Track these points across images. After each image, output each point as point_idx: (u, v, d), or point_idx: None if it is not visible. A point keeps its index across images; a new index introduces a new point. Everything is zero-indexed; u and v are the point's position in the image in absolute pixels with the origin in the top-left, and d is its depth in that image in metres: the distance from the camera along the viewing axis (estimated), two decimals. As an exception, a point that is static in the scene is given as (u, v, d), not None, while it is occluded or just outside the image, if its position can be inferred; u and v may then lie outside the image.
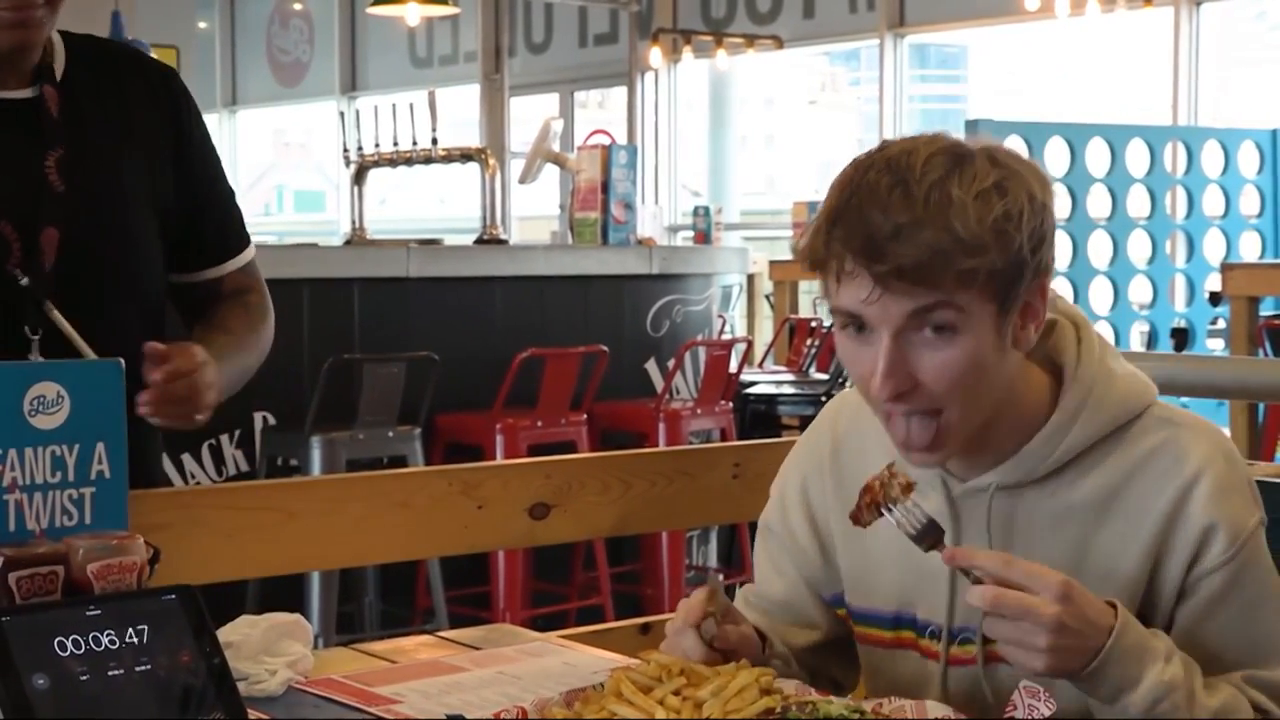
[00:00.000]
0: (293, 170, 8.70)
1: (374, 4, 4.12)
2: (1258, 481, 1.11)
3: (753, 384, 3.46)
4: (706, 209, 4.67)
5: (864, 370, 0.79)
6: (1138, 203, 3.57)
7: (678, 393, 3.09)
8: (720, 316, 3.36)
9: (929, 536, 0.78)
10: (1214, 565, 0.81)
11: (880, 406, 0.81)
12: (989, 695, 0.85)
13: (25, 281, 1.04)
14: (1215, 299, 3.52)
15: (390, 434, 2.55)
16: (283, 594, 2.29)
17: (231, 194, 1.24)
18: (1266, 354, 2.96)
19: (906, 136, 0.81)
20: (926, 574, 0.86)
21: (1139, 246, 3.57)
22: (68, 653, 0.71)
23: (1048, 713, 0.73)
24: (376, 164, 3.37)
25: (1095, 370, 0.83)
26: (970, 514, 0.85)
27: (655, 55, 5.56)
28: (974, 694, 0.85)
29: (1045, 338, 0.84)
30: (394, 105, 3.32)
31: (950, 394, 0.78)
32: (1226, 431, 2.87)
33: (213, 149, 1.22)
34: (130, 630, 0.73)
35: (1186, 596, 0.82)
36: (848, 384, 0.97)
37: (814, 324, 3.86)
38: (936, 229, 0.75)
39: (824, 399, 3.20)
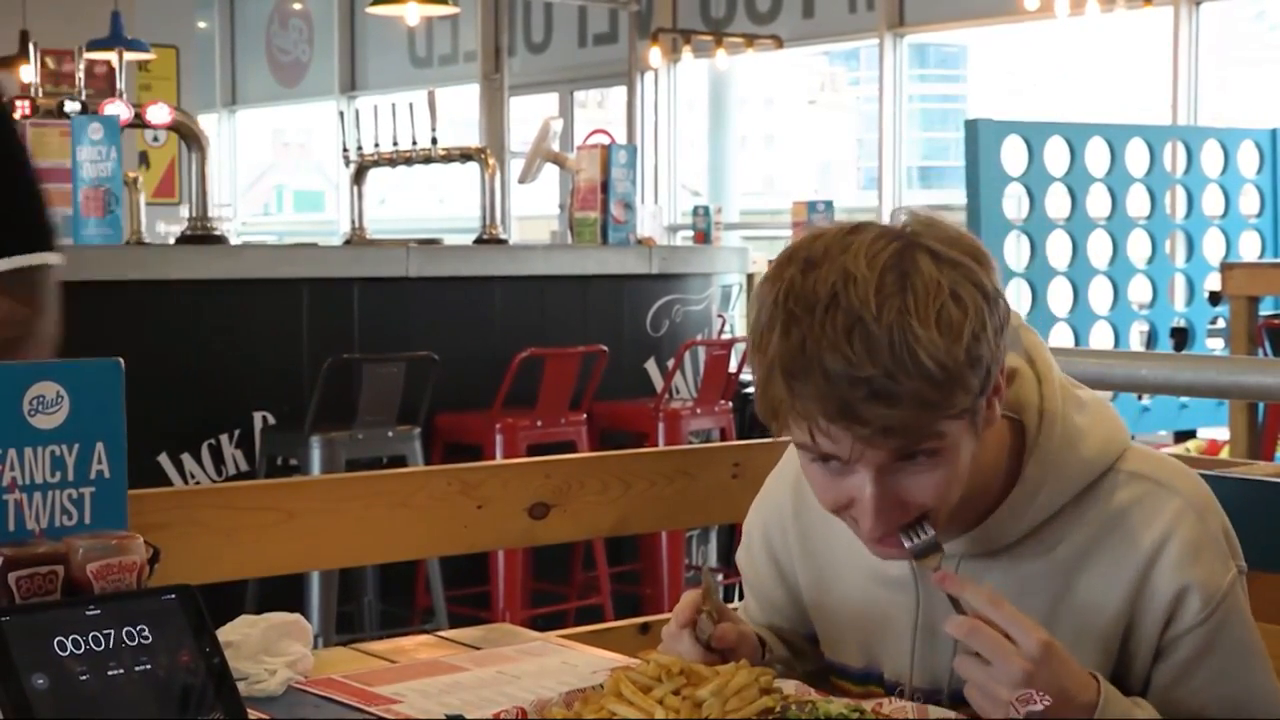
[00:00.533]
0: (292, 170, 8.70)
1: (373, 4, 4.12)
2: (1256, 481, 1.12)
3: (752, 384, 3.45)
4: (706, 209, 4.67)
5: (838, 499, 0.77)
6: (1137, 202, 3.57)
7: (677, 392, 3.09)
8: (720, 316, 3.36)
9: (929, 552, 0.77)
10: (1190, 625, 0.80)
11: (852, 521, 0.78)
12: None
13: None
14: (1215, 298, 3.52)
15: (390, 434, 2.56)
16: (282, 594, 2.30)
17: (23, 189, 1.10)
18: (1266, 354, 2.96)
19: (837, 229, 0.75)
20: (890, 632, 0.85)
21: (1139, 246, 3.56)
22: (67, 652, 0.71)
23: (1039, 708, 0.72)
24: (376, 164, 3.38)
25: (1060, 432, 0.80)
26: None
27: (655, 55, 5.56)
28: None
29: (1010, 381, 0.81)
30: (393, 105, 3.33)
31: (936, 505, 0.77)
32: (1225, 433, 2.87)
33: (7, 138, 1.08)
34: (130, 630, 0.73)
35: (1163, 657, 0.81)
36: None
37: (814, 324, 3.84)
38: (913, 378, 0.71)
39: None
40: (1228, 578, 0.81)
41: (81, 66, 3.13)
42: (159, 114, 3.00)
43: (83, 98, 3.02)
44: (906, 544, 0.76)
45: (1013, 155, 3.27)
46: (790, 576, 0.91)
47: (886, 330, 0.71)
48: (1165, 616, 0.80)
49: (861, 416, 0.71)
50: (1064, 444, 0.81)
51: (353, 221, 3.42)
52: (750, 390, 3.44)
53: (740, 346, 3.18)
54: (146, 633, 0.73)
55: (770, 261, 0.79)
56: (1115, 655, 0.81)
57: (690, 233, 4.79)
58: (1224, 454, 2.89)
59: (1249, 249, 3.73)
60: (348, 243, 3.39)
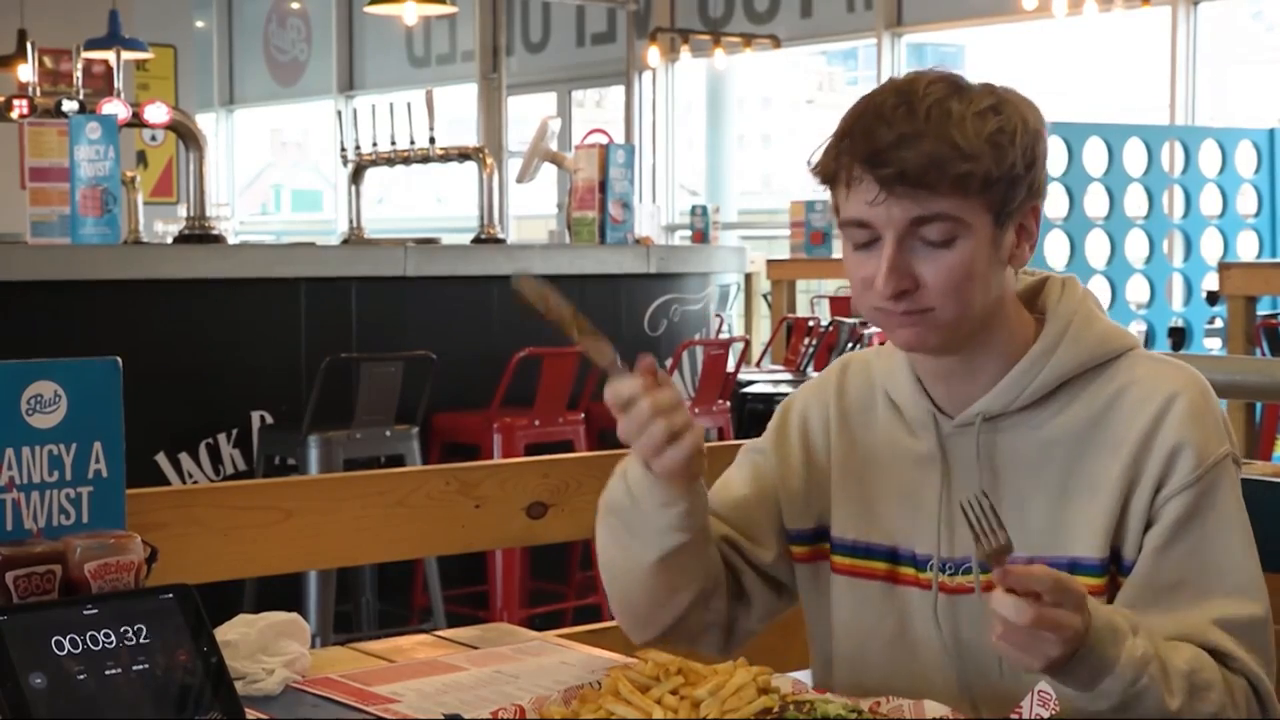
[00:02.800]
0: (290, 169, 8.69)
1: (371, 3, 4.11)
2: (1255, 481, 1.12)
3: (750, 383, 3.46)
4: (704, 208, 4.66)
5: (867, 275, 0.84)
6: (1135, 202, 3.57)
7: (676, 392, 3.08)
8: (718, 316, 3.35)
9: (999, 554, 0.75)
10: (1180, 486, 0.83)
11: (879, 308, 0.85)
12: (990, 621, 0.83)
13: None
14: (1212, 298, 3.52)
15: (387, 433, 2.55)
16: (280, 593, 2.29)
17: None
18: (1264, 353, 2.96)
19: (912, 70, 0.88)
20: (921, 509, 0.88)
21: (1136, 246, 3.56)
22: (65, 652, 0.71)
23: (1046, 715, 0.73)
24: (374, 163, 3.36)
25: (1075, 308, 0.88)
26: (959, 450, 0.88)
27: (653, 54, 5.55)
28: (977, 624, 0.85)
29: (1036, 291, 0.89)
30: (391, 104, 3.31)
31: (945, 296, 0.83)
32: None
33: None
34: (128, 629, 0.73)
35: (1154, 521, 0.84)
36: None
37: (811, 323, 3.86)
38: (935, 138, 0.81)
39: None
40: (1221, 449, 0.84)
41: (79, 66, 3.11)
42: (157, 113, 2.98)
43: (80, 97, 3.00)
44: (985, 547, 0.75)
45: (1010, 155, 3.26)
46: (819, 457, 0.94)
47: (925, 105, 0.82)
48: (1160, 474, 0.84)
49: (887, 158, 0.81)
50: (1080, 315, 0.87)
51: (350, 221, 3.40)
52: (748, 390, 3.46)
53: (738, 346, 3.17)
54: (144, 632, 0.73)
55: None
56: (1115, 525, 0.84)
57: (688, 232, 4.79)
58: (1221, 453, 2.88)
59: (1247, 249, 3.73)
60: (345, 242, 3.37)
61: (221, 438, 2.61)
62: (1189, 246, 3.68)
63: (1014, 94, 0.86)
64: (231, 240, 3.69)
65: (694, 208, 4.73)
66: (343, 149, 3.47)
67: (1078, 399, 0.86)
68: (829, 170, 0.84)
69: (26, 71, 3.25)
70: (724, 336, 3.29)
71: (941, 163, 0.81)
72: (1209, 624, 0.82)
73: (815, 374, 1.01)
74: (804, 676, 0.89)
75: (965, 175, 0.81)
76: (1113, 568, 0.85)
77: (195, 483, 2.51)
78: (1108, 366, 0.86)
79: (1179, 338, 3.55)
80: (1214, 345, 3.58)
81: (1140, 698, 0.77)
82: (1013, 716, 0.73)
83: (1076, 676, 0.76)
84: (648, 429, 0.82)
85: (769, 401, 3.37)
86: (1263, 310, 3.09)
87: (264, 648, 0.88)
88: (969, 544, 0.85)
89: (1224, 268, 2.96)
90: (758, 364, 3.95)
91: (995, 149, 0.82)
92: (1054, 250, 3.36)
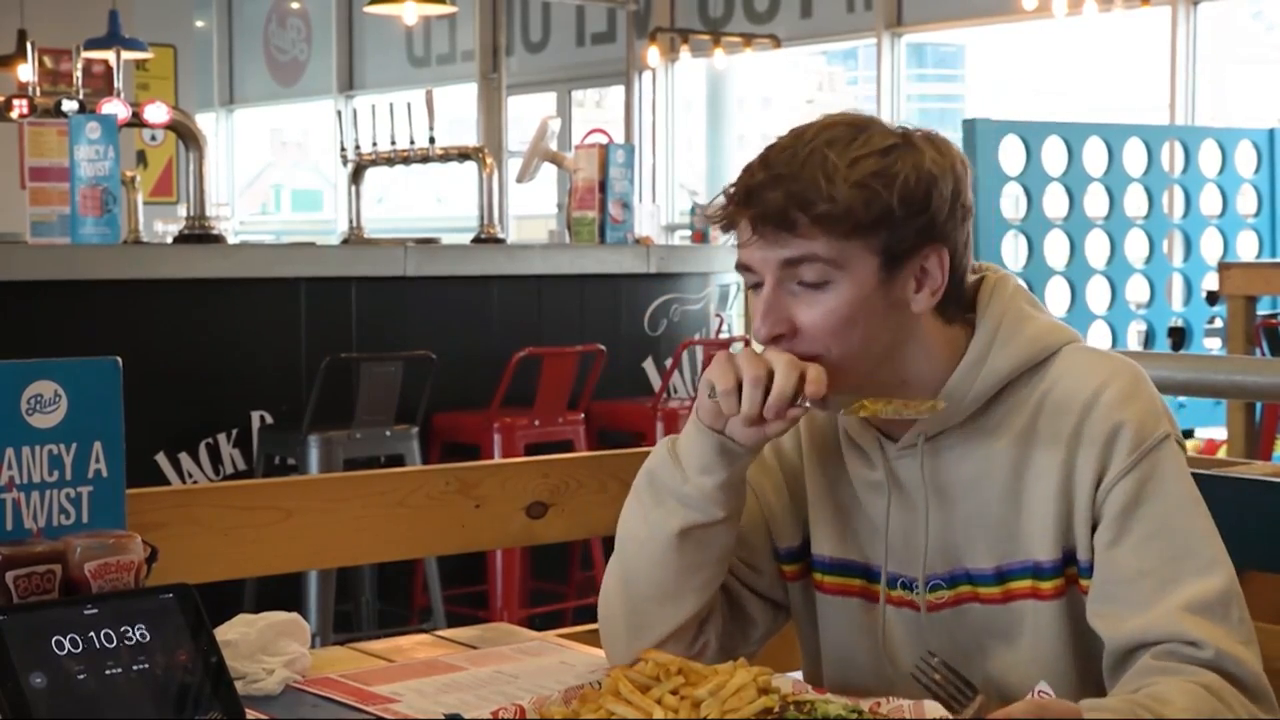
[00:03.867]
0: (290, 169, 8.68)
1: (371, 3, 4.11)
2: (1255, 481, 1.11)
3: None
4: (704, 208, 4.63)
5: (758, 322, 0.84)
6: (1135, 202, 3.56)
7: (675, 392, 3.08)
8: (718, 315, 3.35)
9: (981, 710, 0.74)
10: (1120, 471, 0.81)
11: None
12: (965, 636, 0.85)
13: None
14: (1212, 298, 3.52)
15: (387, 433, 2.55)
16: (280, 593, 2.29)
17: None
18: (1263, 353, 2.96)
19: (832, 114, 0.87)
20: (877, 530, 0.88)
21: (1136, 246, 3.56)
22: (65, 652, 0.71)
23: None
24: (374, 163, 3.37)
25: (1004, 309, 0.86)
26: (907, 474, 0.87)
27: (653, 54, 5.55)
28: (937, 640, 0.85)
29: (973, 291, 0.88)
30: (391, 104, 3.32)
31: (827, 341, 0.83)
32: (1223, 432, 2.86)
33: None
34: (128, 629, 0.72)
35: (1101, 516, 0.82)
36: None
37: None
38: (800, 180, 0.81)
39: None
40: (1160, 429, 0.82)
41: (79, 65, 3.11)
42: (157, 113, 2.99)
43: (80, 97, 3.00)
44: (962, 711, 0.74)
45: (1010, 155, 3.26)
46: (795, 471, 0.93)
47: (809, 150, 0.82)
48: (1099, 461, 0.82)
49: (751, 199, 0.82)
50: (1010, 318, 0.86)
51: (350, 221, 3.40)
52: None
53: (738, 346, 3.17)
54: (144, 632, 0.73)
55: None
56: (1064, 523, 0.83)
57: (688, 232, 4.79)
58: (1221, 454, 2.90)
59: (1247, 249, 3.73)
60: (345, 242, 3.37)
61: (221, 438, 2.62)
62: (1189, 246, 3.67)
63: (924, 138, 0.84)
64: (231, 240, 3.70)
65: (694, 207, 4.73)
66: (343, 149, 3.48)
67: (1014, 407, 0.85)
68: (720, 215, 0.85)
69: (26, 71, 3.25)
70: (724, 336, 3.28)
71: (802, 203, 0.81)
72: (1179, 613, 0.79)
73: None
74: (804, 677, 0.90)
75: (826, 215, 0.80)
76: (1070, 569, 0.83)
77: (195, 483, 2.51)
78: (1044, 366, 0.85)
79: (1179, 338, 3.54)
80: (1214, 345, 3.58)
81: None
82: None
83: None
84: (782, 387, 0.80)
85: (769, 401, 3.36)
86: (1263, 310, 3.08)
87: (264, 647, 0.88)
88: (915, 563, 0.86)
89: (1224, 268, 2.95)
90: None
91: (864, 191, 0.81)
92: (1054, 250, 3.36)
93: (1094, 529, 0.82)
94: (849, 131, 0.83)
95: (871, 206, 0.81)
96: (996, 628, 0.85)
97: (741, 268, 0.85)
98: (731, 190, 0.84)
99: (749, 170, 0.84)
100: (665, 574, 0.87)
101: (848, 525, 0.90)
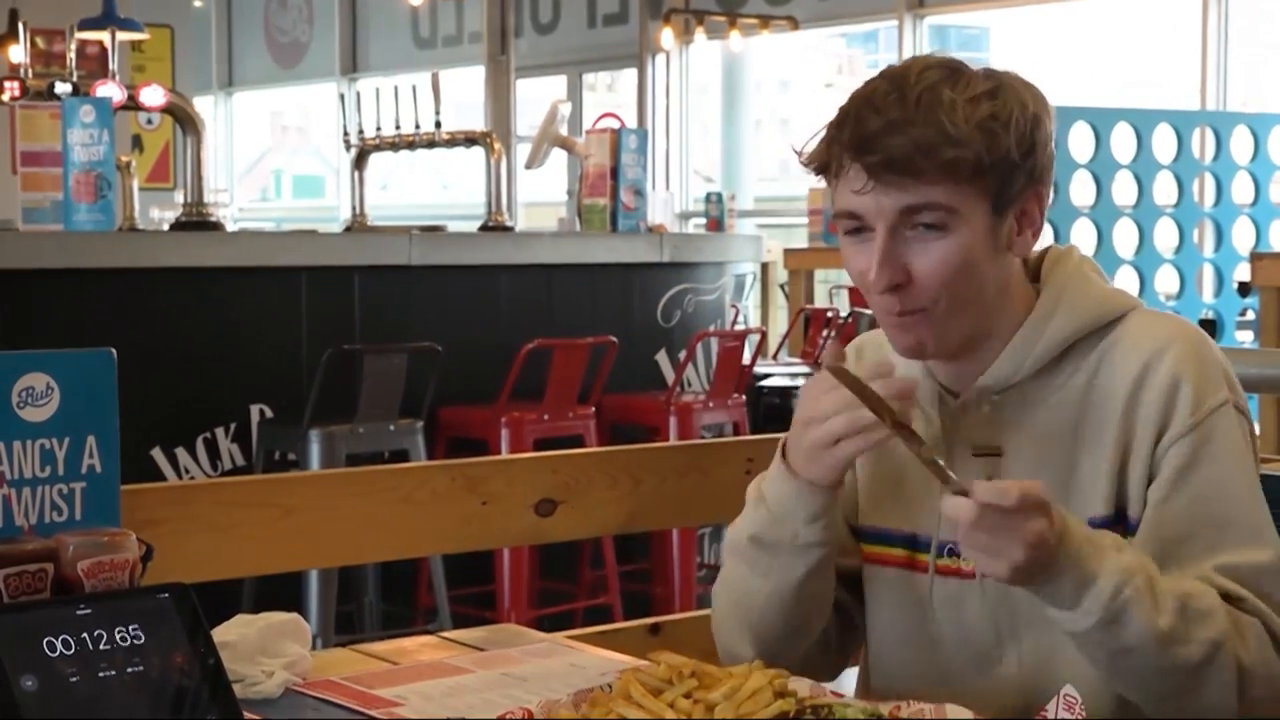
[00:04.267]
0: (291, 154, 8.64)
1: (376, -18, 4.01)
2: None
3: (767, 376, 3.40)
4: (719, 195, 4.59)
5: (863, 268, 0.84)
6: (1165, 190, 3.48)
7: (689, 385, 3.03)
8: (733, 306, 3.29)
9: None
10: (1181, 431, 0.83)
11: (877, 306, 0.85)
12: (1019, 608, 0.85)
13: None
14: (1244, 289, 3.45)
15: (391, 427, 2.50)
16: (280, 593, 2.23)
17: None
18: (1300, 347, 2.86)
19: (911, 57, 0.88)
20: (925, 491, 0.87)
21: (1166, 235, 3.48)
22: (57, 653, 0.69)
23: (1071, 718, 0.71)
24: (378, 148, 3.32)
25: (1070, 274, 0.88)
26: (967, 428, 0.87)
27: (667, 36, 5.47)
28: (975, 609, 0.86)
29: (1038, 264, 0.89)
30: (396, 87, 3.28)
31: (939, 290, 0.83)
32: (1256, 426, 2.79)
33: None
34: (122, 630, 0.71)
35: (1156, 473, 0.83)
36: None
37: (830, 314, 3.79)
38: (923, 125, 0.81)
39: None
40: (1220, 394, 0.84)
41: (73, 47, 3.04)
42: (153, 96, 2.93)
43: (74, 79, 2.95)
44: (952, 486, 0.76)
45: (1036, 141, 3.17)
46: None
47: (916, 91, 0.82)
48: (1160, 417, 0.83)
49: (874, 146, 0.81)
50: (1076, 279, 0.87)
51: (353, 208, 3.36)
52: (764, 383, 3.38)
53: (754, 338, 3.10)
54: (139, 633, 0.71)
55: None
56: (1117, 479, 0.84)
57: (703, 220, 4.72)
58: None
59: (1280, 239, 3.63)
60: (348, 230, 3.34)
61: (219, 432, 2.57)
62: (1220, 236, 3.59)
63: (1014, 78, 0.85)
64: (230, 228, 3.66)
65: (709, 195, 4.66)
66: (345, 133, 3.43)
67: (1078, 364, 0.86)
68: (820, 160, 0.84)
69: (18, 52, 3.18)
70: (740, 328, 3.23)
71: (929, 149, 0.80)
72: (1210, 570, 0.81)
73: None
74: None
75: (954, 161, 0.80)
76: (1119, 527, 0.84)
77: (192, 479, 2.47)
78: (1109, 329, 0.86)
79: (1210, 330, 3.44)
80: (1246, 338, 3.50)
81: (1125, 612, 0.76)
82: (1037, 718, 0.72)
83: (1059, 592, 0.76)
84: (828, 424, 0.81)
85: (786, 395, 3.30)
86: (1298, 302, 2.98)
87: (263, 649, 0.85)
88: None
89: (1256, 258, 2.89)
90: (774, 356, 3.90)
91: (987, 134, 0.81)
92: (1081, 239, 3.28)
93: (1148, 484, 0.84)
94: (949, 73, 0.83)
95: (993, 149, 0.81)
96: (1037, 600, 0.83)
97: (845, 215, 0.84)
98: (835, 135, 0.83)
99: (857, 117, 0.82)
100: (794, 614, 0.89)
101: (893, 494, 0.91)
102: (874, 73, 0.85)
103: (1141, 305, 0.88)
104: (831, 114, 0.84)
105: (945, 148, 0.80)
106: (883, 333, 0.92)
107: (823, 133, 0.84)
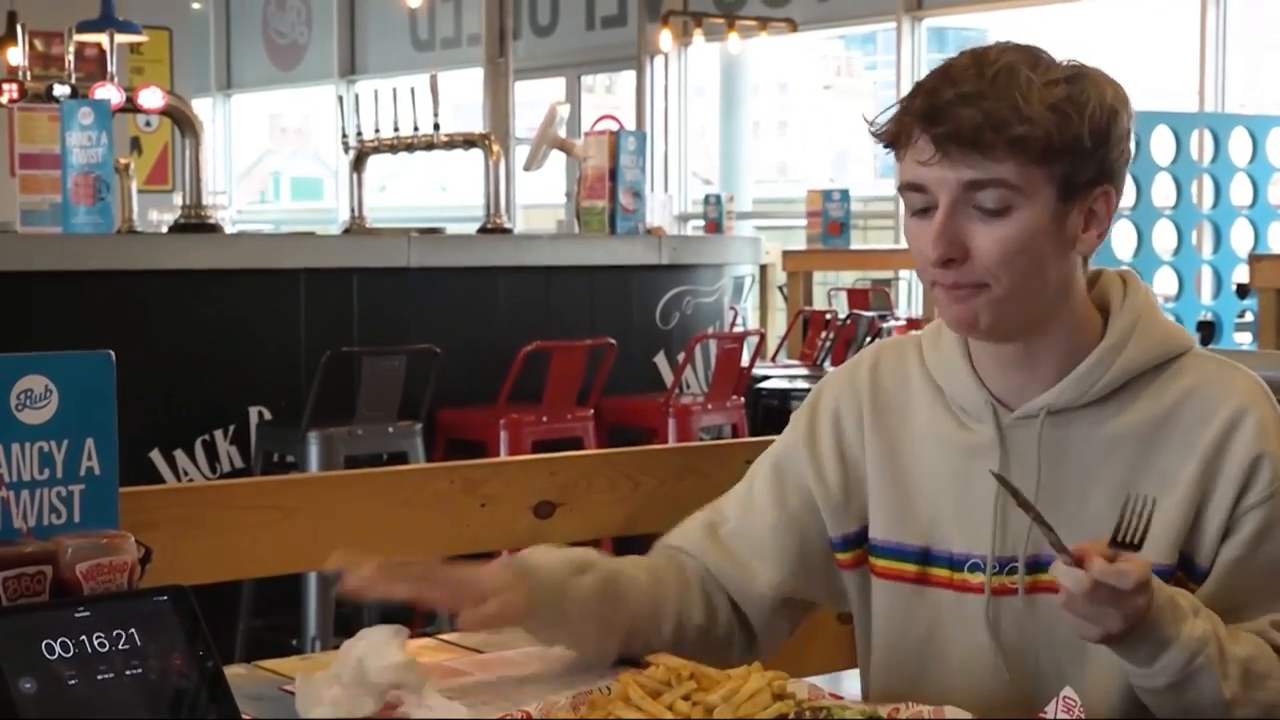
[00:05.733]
0: (290, 156, 8.64)
1: (374, -16, 4.01)
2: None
3: (765, 378, 3.40)
4: (718, 197, 4.59)
5: (923, 244, 0.82)
6: (1163, 192, 3.48)
7: (688, 387, 3.02)
8: (732, 308, 3.30)
9: (1119, 547, 0.76)
10: (1260, 499, 0.83)
11: (933, 280, 0.83)
12: (1034, 627, 0.85)
13: None
14: (1243, 291, 3.45)
15: (390, 430, 2.50)
16: (279, 595, 2.22)
17: None
18: (1299, 349, 2.86)
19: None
20: (971, 502, 0.87)
21: (1164, 237, 3.48)
22: (55, 656, 0.69)
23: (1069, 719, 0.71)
24: (376, 150, 3.32)
25: (1142, 304, 0.87)
26: (1020, 443, 0.86)
27: (665, 38, 5.46)
28: (1017, 625, 0.86)
29: (1093, 285, 0.87)
30: (394, 89, 3.27)
31: (998, 270, 0.81)
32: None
33: None
34: (120, 632, 0.71)
35: (1232, 533, 0.84)
36: None
37: (828, 316, 3.79)
38: (995, 99, 0.80)
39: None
40: None
41: (71, 49, 3.04)
42: (151, 98, 2.93)
43: (72, 81, 2.94)
44: (1120, 536, 0.76)
45: (1035, 142, 3.17)
46: (853, 456, 0.92)
47: (996, 70, 0.81)
48: (1239, 485, 0.83)
49: (941, 116, 0.80)
50: (1147, 311, 0.87)
51: (352, 210, 3.36)
52: (762, 385, 3.38)
53: (753, 340, 3.09)
54: (138, 635, 0.71)
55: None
56: (1188, 526, 0.84)
57: (701, 222, 4.72)
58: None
59: (1278, 240, 3.63)
60: (347, 232, 3.33)
61: (218, 434, 2.56)
62: (1218, 238, 3.59)
63: (1097, 71, 0.83)
64: (229, 230, 3.65)
65: (707, 197, 4.66)
66: (344, 135, 3.43)
67: (1141, 396, 0.85)
68: (891, 130, 0.83)
69: (16, 55, 3.18)
70: (738, 330, 3.24)
71: (997, 123, 0.79)
72: (1268, 625, 0.82)
73: (831, 368, 1.01)
74: (821, 681, 0.84)
75: (1022, 138, 0.79)
76: (1180, 573, 0.84)
77: (191, 481, 2.46)
78: (1169, 365, 0.86)
79: (1208, 332, 3.46)
80: (1244, 340, 3.50)
81: (1195, 677, 0.77)
82: (1040, 717, 0.72)
83: (1136, 651, 0.77)
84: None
85: (784, 397, 3.30)
86: (1296, 304, 2.98)
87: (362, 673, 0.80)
88: (1019, 543, 0.85)
89: (1255, 259, 2.89)
90: (773, 358, 3.90)
91: (1059, 115, 0.79)
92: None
93: (1223, 538, 0.84)
94: (1029, 56, 0.82)
95: (1064, 132, 0.80)
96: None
97: (910, 188, 0.83)
98: (907, 105, 0.82)
99: (931, 88, 0.82)
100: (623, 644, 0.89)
101: (904, 508, 0.89)
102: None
103: (1195, 343, 0.88)
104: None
105: (1015, 123, 0.78)
106: (902, 340, 0.92)
107: (898, 102, 0.83)
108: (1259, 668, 0.79)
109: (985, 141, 0.78)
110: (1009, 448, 0.85)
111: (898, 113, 0.83)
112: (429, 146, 3.23)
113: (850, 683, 0.97)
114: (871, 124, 0.84)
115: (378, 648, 0.77)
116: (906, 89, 0.84)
